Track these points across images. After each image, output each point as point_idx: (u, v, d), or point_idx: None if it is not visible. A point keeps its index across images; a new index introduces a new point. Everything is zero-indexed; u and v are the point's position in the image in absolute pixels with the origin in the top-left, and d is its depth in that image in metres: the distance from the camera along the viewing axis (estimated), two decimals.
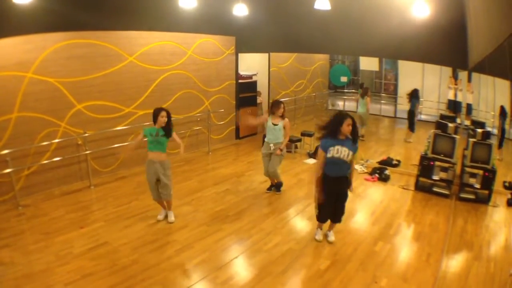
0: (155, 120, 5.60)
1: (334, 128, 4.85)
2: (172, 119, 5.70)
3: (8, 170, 6.23)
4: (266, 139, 6.97)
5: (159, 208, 6.13)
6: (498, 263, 5.03)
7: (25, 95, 6.48)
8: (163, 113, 5.58)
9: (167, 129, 5.64)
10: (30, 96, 6.55)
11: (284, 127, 6.79)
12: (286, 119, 6.82)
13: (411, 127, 11.20)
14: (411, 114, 11.12)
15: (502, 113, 8.60)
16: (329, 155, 4.87)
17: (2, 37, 6.10)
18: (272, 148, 6.85)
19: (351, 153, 4.88)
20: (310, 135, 10.23)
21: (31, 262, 4.80)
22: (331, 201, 5.15)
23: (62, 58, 6.91)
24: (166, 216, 6.08)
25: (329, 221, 5.44)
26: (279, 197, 7.12)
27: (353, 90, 16.18)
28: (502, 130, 8.81)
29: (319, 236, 5.55)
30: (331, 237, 5.51)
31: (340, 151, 4.83)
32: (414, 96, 11.05)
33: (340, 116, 4.85)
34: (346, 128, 4.79)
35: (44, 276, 4.53)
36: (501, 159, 9.20)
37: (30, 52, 6.48)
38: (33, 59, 6.54)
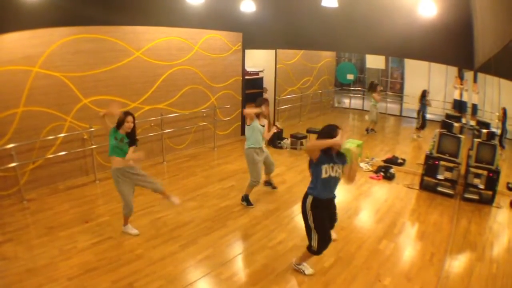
0: (120, 124, 4.95)
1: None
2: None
3: (13, 164, 6.28)
4: (252, 145, 6.30)
5: (164, 203, 6.16)
6: (500, 264, 5.02)
7: (31, 89, 6.52)
8: (130, 118, 4.96)
9: (132, 137, 5.07)
10: (36, 90, 6.59)
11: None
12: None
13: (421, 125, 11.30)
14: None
15: (504, 115, 8.63)
16: (325, 175, 4.30)
17: (9, 31, 6.13)
18: (264, 150, 6.54)
19: (342, 166, 4.38)
20: (316, 132, 10.19)
21: (34, 257, 4.84)
22: (328, 225, 4.63)
23: (69, 52, 6.93)
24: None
25: None
26: (284, 194, 7.14)
27: (359, 88, 16.12)
28: (504, 131, 8.81)
29: (310, 270, 4.77)
30: (333, 234, 5.46)
31: (335, 169, 4.32)
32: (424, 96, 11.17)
33: (331, 130, 4.20)
34: None
35: (47, 270, 4.56)
36: (503, 159, 9.17)
37: (36, 47, 6.51)
38: (40, 53, 6.56)
